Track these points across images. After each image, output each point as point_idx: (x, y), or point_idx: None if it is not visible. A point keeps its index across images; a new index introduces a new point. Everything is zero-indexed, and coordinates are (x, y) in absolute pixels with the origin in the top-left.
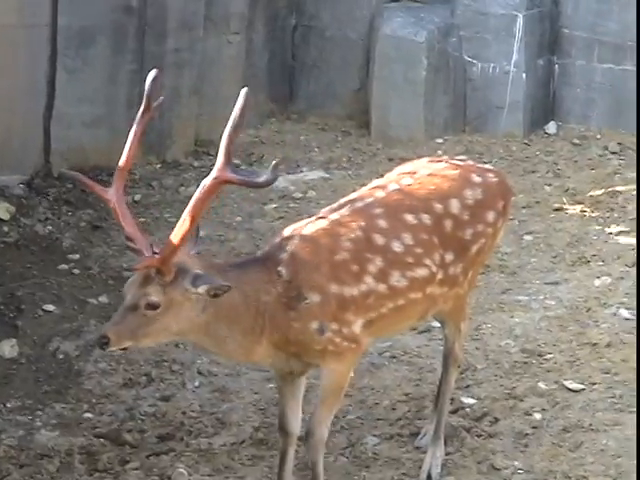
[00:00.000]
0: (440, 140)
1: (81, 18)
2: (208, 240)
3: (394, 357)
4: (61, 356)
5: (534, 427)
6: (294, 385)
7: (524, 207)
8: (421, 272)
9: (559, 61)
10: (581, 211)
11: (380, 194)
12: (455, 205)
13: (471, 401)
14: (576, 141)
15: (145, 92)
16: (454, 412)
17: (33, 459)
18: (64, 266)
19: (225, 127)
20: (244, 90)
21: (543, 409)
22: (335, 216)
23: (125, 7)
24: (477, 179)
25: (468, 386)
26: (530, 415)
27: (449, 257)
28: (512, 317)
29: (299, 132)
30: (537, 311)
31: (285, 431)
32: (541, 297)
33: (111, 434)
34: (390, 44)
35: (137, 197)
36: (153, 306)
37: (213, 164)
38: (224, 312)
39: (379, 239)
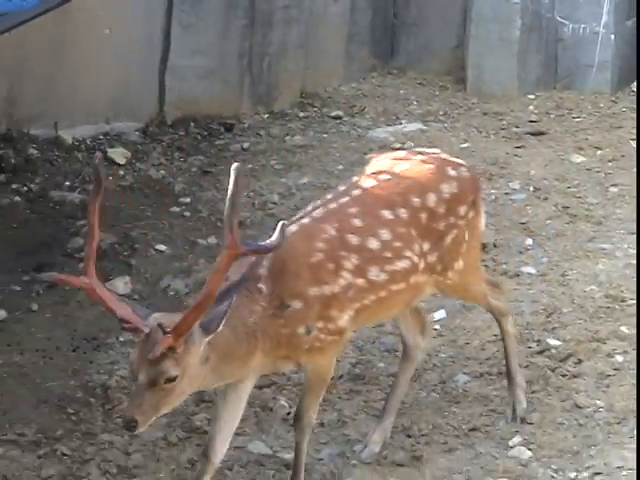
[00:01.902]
0: (532, 96)
1: None
2: (312, 187)
3: None
4: (171, 293)
5: (616, 369)
6: (233, 412)
7: (610, 161)
8: (402, 264)
9: None
10: None
11: (356, 192)
12: (432, 199)
13: (556, 343)
14: None
15: (95, 174)
16: (540, 353)
17: None
18: (175, 209)
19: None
20: (235, 166)
21: (625, 352)
22: (307, 220)
23: None
24: (452, 173)
25: (554, 328)
26: (612, 357)
27: (426, 247)
28: (597, 264)
29: (399, 86)
30: (621, 259)
31: (207, 457)
32: (625, 246)
33: None
34: (486, 4)
35: (245, 145)
36: (171, 379)
37: (317, 115)
38: (222, 351)
39: (353, 239)
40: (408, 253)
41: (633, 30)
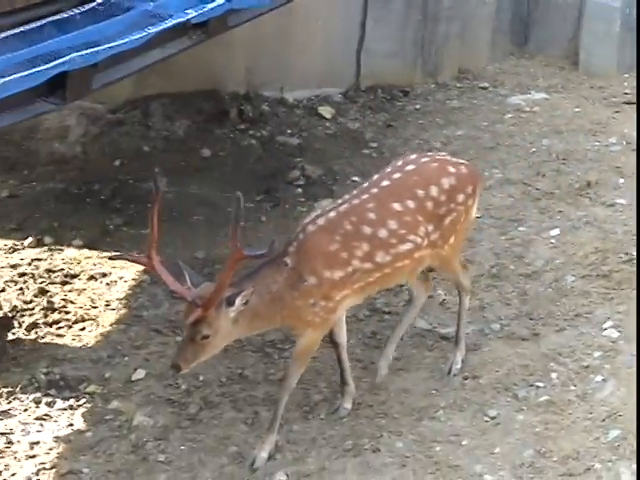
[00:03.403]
0: (627, 75)
1: None
2: (464, 137)
3: (588, 222)
4: None
5: None
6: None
7: None
8: (405, 247)
9: None
10: None
11: (374, 190)
12: (434, 190)
13: None
14: None
15: (155, 186)
16: (627, 262)
17: None
18: (366, 151)
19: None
20: (238, 195)
21: None
22: (333, 214)
23: None
24: (452, 169)
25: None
26: None
27: (430, 228)
28: None
29: (530, 66)
30: None
31: (335, 342)
32: None
33: None
34: (595, 7)
35: (417, 107)
36: (206, 337)
37: (470, 86)
38: (249, 314)
39: (367, 229)
40: (411, 237)
41: None
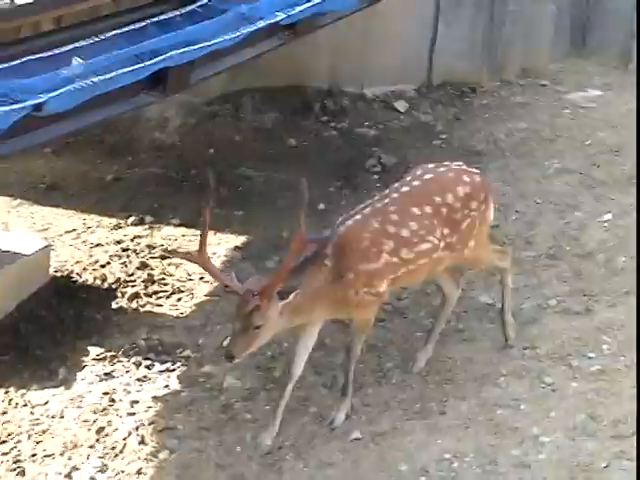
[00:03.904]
0: None
1: None
2: (527, 129)
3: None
4: None
5: None
6: (307, 343)
7: None
8: (425, 246)
9: None
10: None
11: (395, 195)
12: (450, 197)
13: None
14: None
15: (208, 187)
16: None
17: None
18: (436, 142)
19: None
20: (302, 180)
21: None
22: (359, 217)
23: None
24: (466, 179)
25: None
26: None
27: (446, 231)
28: None
29: (586, 66)
30: None
31: (290, 372)
32: None
33: None
34: None
35: (484, 102)
36: (258, 327)
37: (532, 83)
38: (294, 308)
39: (391, 228)
40: (430, 237)
41: None
